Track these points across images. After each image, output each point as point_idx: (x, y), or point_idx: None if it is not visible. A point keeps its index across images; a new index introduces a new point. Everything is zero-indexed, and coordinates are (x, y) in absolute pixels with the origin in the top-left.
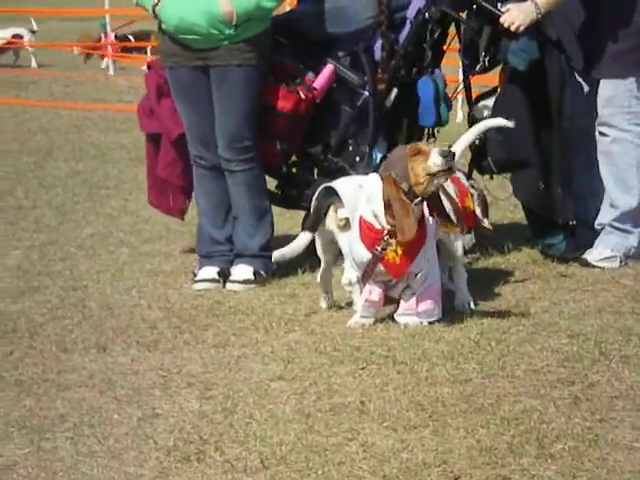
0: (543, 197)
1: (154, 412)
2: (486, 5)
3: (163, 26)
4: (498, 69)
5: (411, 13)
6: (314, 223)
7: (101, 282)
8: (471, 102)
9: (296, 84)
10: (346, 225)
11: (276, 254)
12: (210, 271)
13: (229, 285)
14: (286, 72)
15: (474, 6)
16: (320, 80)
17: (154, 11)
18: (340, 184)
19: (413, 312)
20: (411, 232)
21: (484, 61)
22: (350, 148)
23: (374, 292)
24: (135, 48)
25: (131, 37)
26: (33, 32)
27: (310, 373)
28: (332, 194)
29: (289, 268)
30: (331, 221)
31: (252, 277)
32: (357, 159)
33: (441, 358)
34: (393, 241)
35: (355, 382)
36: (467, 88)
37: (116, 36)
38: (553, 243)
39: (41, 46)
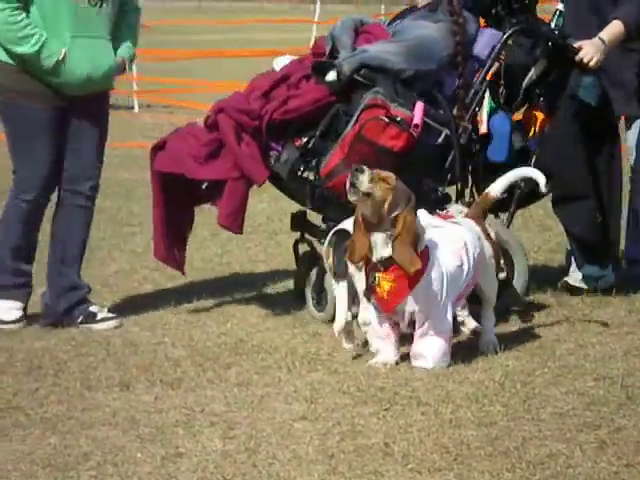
0: (599, 229)
1: (177, 451)
2: (564, 42)
3: (61, 79)
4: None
5: (481, 50)
6: (343, 269)
7: (125, 319)
8: None
9: (400, 122)
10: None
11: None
12: (16, 306)
13: (99, 325)
14: (385, 110)
15: (549, 43)
16: (417, 117)
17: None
18: (350, 225)
19: (415, 355)
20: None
21: (536, 97)
22: (426, 187)
23: (384, 327)
24: None
25: None
26: None
27: (333, 413)
28: (346, 236)
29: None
30: (347, 263)
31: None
32: (432, 197)
33: (466, 400)
34: (378, 275)
35: (379, 423)
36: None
37: None
38: (602, 275)
39: None
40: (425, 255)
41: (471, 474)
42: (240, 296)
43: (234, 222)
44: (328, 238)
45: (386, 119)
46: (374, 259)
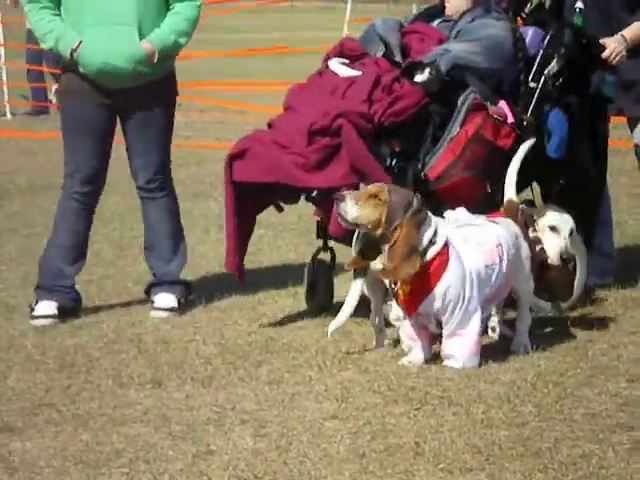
0: (594, 225)
1: (208, 449)
2: (593, 38)
3: (81, 70)
4: None
5: (528, 48)
6: (363, 267)
7: (157, 317)
8: None
9: (503, 121)
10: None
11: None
12: (50, 306)
13: (154, 313)
14: (486, 110)
15: (581, 40)
16: (510, 115)
17: (71, 55)
18: None
19: (445, 355)
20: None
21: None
22: (493, 188)
23: (412, 329)
24: None
25: None
26: None
27: (364, 412)
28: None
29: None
30: (376, 260)
31: (177, 305)
32: (495, 197)
33: (497, 400)
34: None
35: (410, 423)
36: None
37: None
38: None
39: None
40: (444, 255)
41: (503, 474)
42: (271, 295)
43: (345, 231)
44: (355, 235)
45: (500, 119)
46: (385, 267)
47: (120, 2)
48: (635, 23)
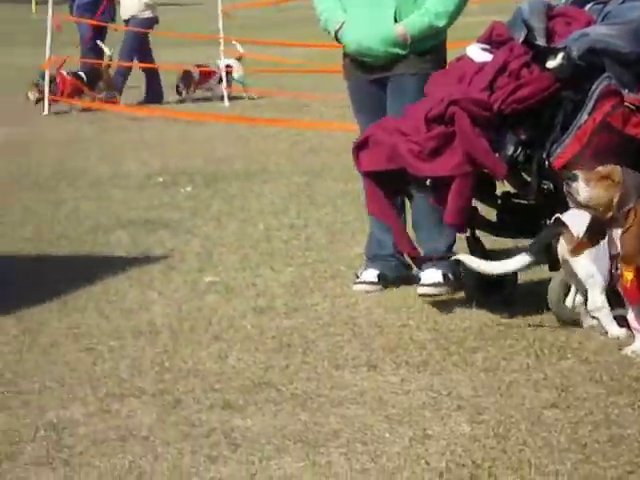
0: None
1: (425, 433)
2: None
3: (345, 49)
4: None
5: None
6: (537, 249)
7: (369, 300)
8: None
9: (637, 108)
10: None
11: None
12: (371, 274)
13: (420, 289)
14: (620, 97)
15: None
16: None
17: (336, 36)
18: (570, 216)
19: None
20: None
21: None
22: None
23: (635, 319)
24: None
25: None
26: (239, 59)
27: (585, 402)
28: (561, 224)
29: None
30: (564, 250)
31: (442, 280)
32: None
33: None
34: (621, 265)
35: (634, 414)
36: None
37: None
38: None
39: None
40: None
41: None
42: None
43: (462, 220)
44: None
45: (632, 107)
46: (613, 252)
47: None
48: None
